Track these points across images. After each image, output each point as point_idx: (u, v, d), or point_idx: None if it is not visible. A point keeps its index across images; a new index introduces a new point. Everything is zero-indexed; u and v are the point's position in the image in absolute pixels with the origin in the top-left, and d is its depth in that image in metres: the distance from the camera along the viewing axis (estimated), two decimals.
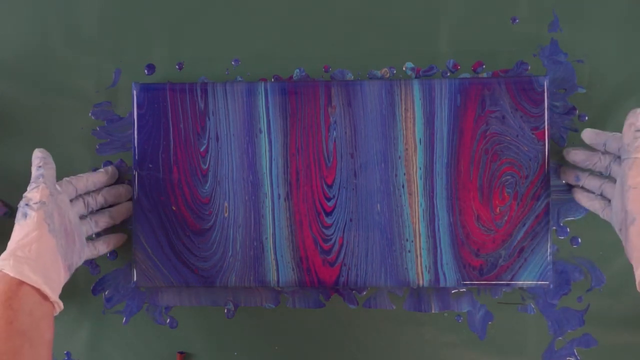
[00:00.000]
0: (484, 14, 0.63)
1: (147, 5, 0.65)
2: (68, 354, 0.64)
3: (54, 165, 0.54)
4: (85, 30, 0.65)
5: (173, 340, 0.64)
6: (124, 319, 0.64)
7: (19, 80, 0.65)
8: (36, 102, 0.64)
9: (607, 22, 0.62)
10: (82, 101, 0.64)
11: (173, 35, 0.64)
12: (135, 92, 0.60)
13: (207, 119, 0.60)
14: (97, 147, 0.64)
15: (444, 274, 0.58)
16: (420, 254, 0.58)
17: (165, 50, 0.64)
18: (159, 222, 0.60)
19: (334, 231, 0.59)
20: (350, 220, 0.59)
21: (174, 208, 0.60)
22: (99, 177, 0.59)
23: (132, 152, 0.61)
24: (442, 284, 0.58)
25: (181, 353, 0.63)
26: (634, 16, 0.62)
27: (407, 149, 0.58)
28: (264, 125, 0.60)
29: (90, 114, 0.64)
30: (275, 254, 0.59)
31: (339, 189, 0.59)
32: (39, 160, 0.53)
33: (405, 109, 0.58)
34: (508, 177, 0.58)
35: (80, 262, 0.55)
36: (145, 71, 0.64)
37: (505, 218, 0.58)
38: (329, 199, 0.59)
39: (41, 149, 0.54)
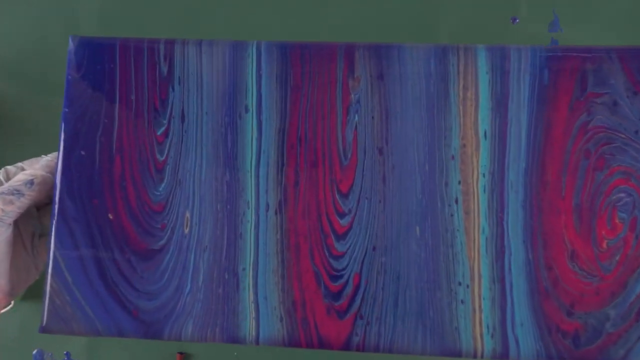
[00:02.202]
0: (483, 14, 0.62)
1: (147, 5, 0.64)
2: (68, 354, 0.62)
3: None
4: (85, 30, 0.63)
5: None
6: None
7: (20, 80, 0.64)
8: (36, 102, 0.64)
9: (607, 22, 0.62)
10: None
11: (173, 35, 0.59)
12: (71, 48, 0.42)
13: (170, 89, 0.41)
14: None
15: (516, 341, 0.37)
16: (480, 306, 0.38)
17: None
18: (86, 237, 0.40)
19: (348, 264, 0.39)
20: (374, 248, 0.39)
21: (110, 216, 0.40)
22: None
23: (59, 134, 0.41)
24: (512, 356, 0.37)
25: (181, 353, 0.61)
26: (634, 16, 0.61)
27: (464, 146, 0.39)
28: (251, 101, 0.40)
29: None
30: (255, 294, 0.39)
31: (359, 200, 0.39)
32: (39, 179, 0.42)
33: (463, 86, 0.39)
34: (622, 194, 0.37)
35: (36, 274, 0.45)
36: None
37: (617, 258, 0.37)
38: (342, 215, 0.39)
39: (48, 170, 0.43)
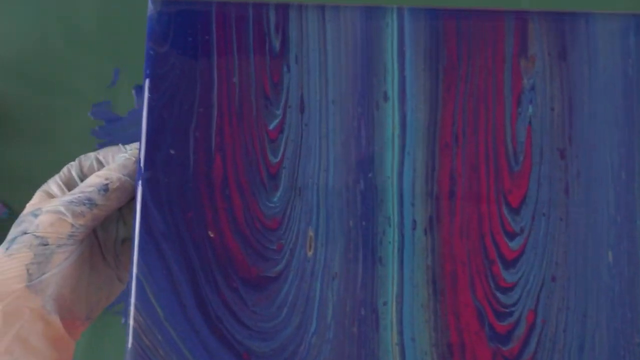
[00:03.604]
0: None
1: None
2: None
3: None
4: (85, 30, 0.63)
5: None
6: (124, 319, 0.59)
7: (19, 80, 0.63)
8: (36, 102, 0.62)
9: None
10: (81, 101, 0.61)
11: None
12: (152, 14, 0.32)
13: (284, 69, 0.32)
14: (97, 147, 0.60)
15: None
16: None
17: None
18: (180, 260, 0.32)
19: (519, 298, 0.31)
20: (553, 279, 0.30)
21: (211, 234, 0.32)
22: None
23: (140, 129, 0.33)
24: None
25: None
26: None
27: None
28: (392, 87, 0.31)
29: (89, 114, 0.62)
30: (400, 334, 0.31)
31: (534, 216, 0.31)
32: (115, 183, 0.33)
33: None
34: None
35: (121, 286, 0.38)
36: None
37: None
38: (512, 236, 0.31)
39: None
